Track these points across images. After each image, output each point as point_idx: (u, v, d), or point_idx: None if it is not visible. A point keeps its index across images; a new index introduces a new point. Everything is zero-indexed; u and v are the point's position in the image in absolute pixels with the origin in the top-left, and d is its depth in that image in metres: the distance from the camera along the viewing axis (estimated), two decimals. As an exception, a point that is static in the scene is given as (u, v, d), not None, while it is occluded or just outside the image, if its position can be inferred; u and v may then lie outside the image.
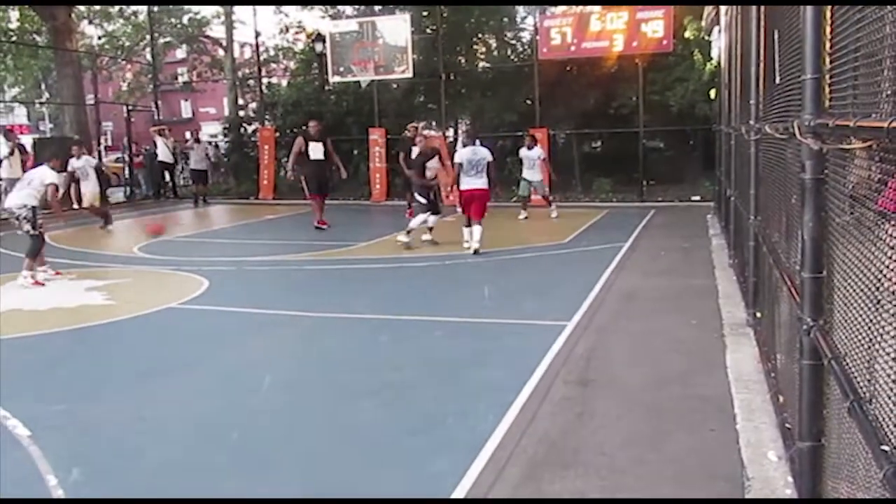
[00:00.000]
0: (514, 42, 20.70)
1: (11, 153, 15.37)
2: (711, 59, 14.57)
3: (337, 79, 17.69)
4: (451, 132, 19.67)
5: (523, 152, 13.20)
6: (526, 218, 12.91)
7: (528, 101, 16.97)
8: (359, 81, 17.77)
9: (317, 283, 8.38)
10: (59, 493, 3.36)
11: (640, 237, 10.74)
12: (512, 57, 19.80)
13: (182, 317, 6.75)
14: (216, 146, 21.39)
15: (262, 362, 5.40)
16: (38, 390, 4.88)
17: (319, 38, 18.63)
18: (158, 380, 5.08)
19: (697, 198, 14.97)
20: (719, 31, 11.56)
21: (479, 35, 20.31)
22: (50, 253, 10.19)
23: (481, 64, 20.62)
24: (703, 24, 14.91)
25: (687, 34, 16.13)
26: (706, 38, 15.15)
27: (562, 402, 4.39)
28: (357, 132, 18.04)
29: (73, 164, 13.19)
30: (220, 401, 4.63)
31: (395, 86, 18.92)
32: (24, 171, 14.04)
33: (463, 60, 20.24)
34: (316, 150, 12.09)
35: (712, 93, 13.99)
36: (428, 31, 18.86)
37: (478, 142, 9.64)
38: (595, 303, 6.71)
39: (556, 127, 17.00)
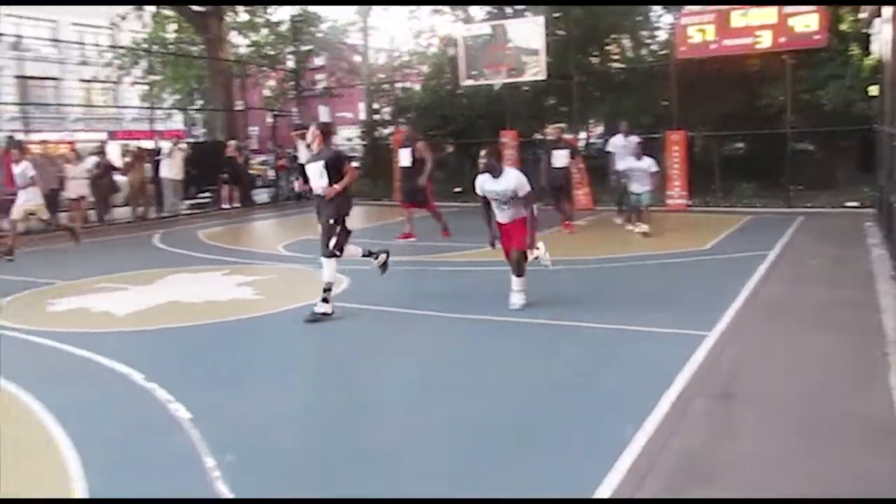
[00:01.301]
0: (649, 41, 20.13)
1: (170, 154, 16.63)
2: (871, 53, 13.54)
3: (469, 82, 17.87)
4: (583, 135, 19.41)
5: (632, 162, 11.41)
6: (645, 234, 11.19)
7: (665, 103, 16.46)
8: (490, 84, 17.88)
9: (449, 284, 8.49)
10: (215, 475, 3.59)
11: (788, 244, 10.13)
12: (647, 57, 19.27)
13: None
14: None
15: (398, 359, 5.55)
16: (197, 377, 5.24)
17: (451, 42, 18.90)
18: (303, 372, 5.33)
19: (854, 204, 13.92)
20: (881, 23, 10.72)
21: (613, 35, 19.91)
22: (203, 250, 10.97)
23: (615, 65, 20.20)
24: (863, 15, 13.89)
25: (843, 27, 15.08)
26: (865, 31, 14.09)
27: (704, 414, 4.23)
28: (488, 135, 18.15)
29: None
30: (357, 395, 4.80)
31: (525, 88, 18.88)
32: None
33: (595, 61, 19.91)
34: (404, 157, 11.74)
35: (873, 90, 12.99)
36: (559, 32, 18.69)
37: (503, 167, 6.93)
38: (739, 313, 6.40)
39: (695, 129, 16.37)
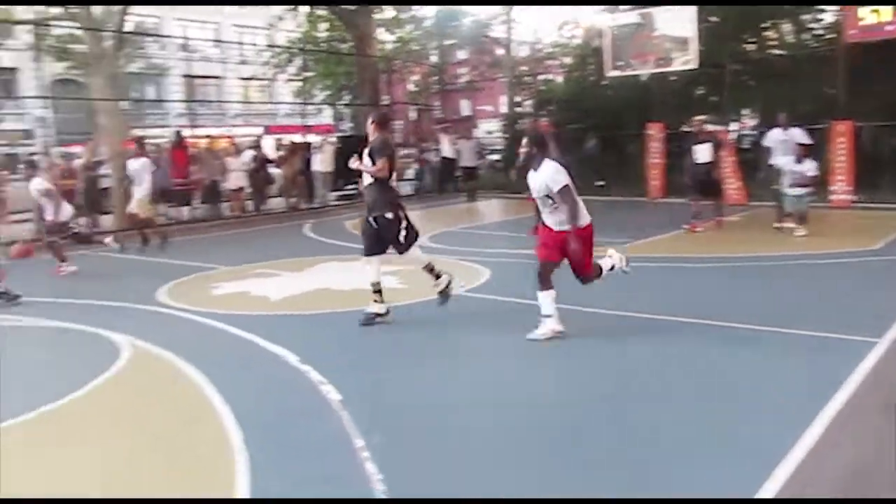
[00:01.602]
0: (812, 25, 18.78)
1: (321, 147, 17.42)
2: None
3: (614, 73, 17.44)
4: (734, 126, 18.44)
5: (791, 163, 10.37)
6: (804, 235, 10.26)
7: (830, 90, 15.31)
8: (636, 75, 17.37)
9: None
10: (364, 455, 3.72)
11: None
12: (810, 42, 17.99)
13: (465, 304, 7.12)
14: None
15: (540, 354, 5.51)
16: (346, 361, 5.45)
17: (596, 32, 18.52)
18: (446, 359, 5.41)
19: None
20: None
21: (772, 20, 18.73)
22: (351, 239, 11.38)
23: (773, 51, 19.01)
24: None
25: None
26: None
27: (871, 428, 3.91)
28: (633, 127, 17.63)
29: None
30: (496, 386, 4.81)
31: (673, 77, 18.18)
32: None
33: (751, 48, 18.82)
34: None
35: None
36: (711, 19, 17.82)
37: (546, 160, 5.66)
38: (915, 318, 5.86)
39: (864, 118, 15.11)
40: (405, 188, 21.28)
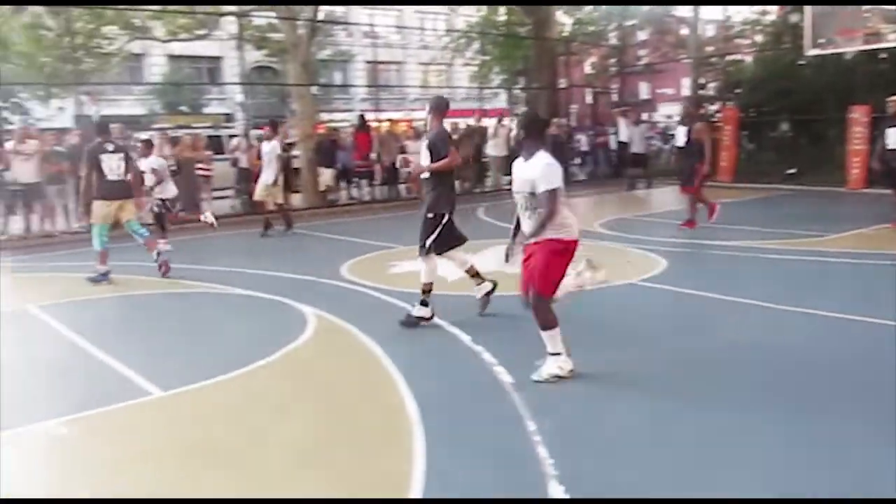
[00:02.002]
0: None
1: (495, 132, 17.55)
2: None
3: (815, 51, 16.08)
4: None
5: None
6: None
7: None
8: (840, 53, 15.92)
9: (776, 274, 7.81)
10: (536, 439, 3.74)
11: None
12: None
13: (643, 294, 6.93)
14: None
15: (719, 349, 5.25)
16: (518, 344, 5.47)
17: (795, 7, 17.15)
18: (621, 349, 5.30)
19: None
20: None
21: None
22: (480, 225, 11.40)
23: None
24: None
25: None
26: None
27: None
28: (834, 110, 16.20)
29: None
30: (677, 383, 4.63)
31: (883, 55, 16.46)
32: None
33: None
34: (679, 136, 10.95)
35: None
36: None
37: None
38: None
39: None
40: (578, 174, 21.01)
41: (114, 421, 4.26)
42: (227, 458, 3.72)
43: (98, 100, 24.06)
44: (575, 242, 4.62)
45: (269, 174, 11.31)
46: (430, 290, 5.96)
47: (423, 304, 5.95)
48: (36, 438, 4.07)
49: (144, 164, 9.65)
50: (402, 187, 16.53)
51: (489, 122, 18.88)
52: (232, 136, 17.17)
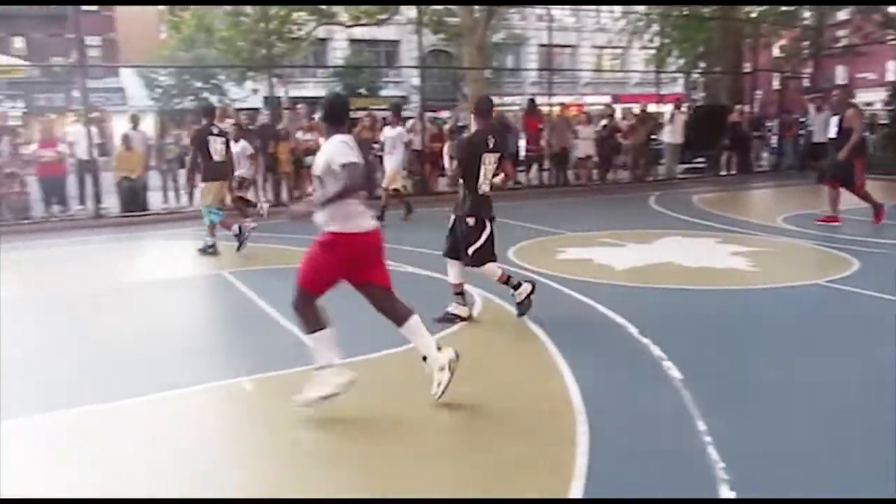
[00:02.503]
0: None
1: (672, 118, 16.84)
2: None
3: None
4: None
5: None
6: None
7: None
8: None
9: None
10: (706, 440, 3.58)
11: None
12: None
13: (828, 296, 6.41)
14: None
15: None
16: (688, 339, 5.27)
17: None
18: (800, 358, 4.94)
19: None
20: None
21: None
22: (697, 215, 10.93)
23: None
24: None
25: None
26: None
27: None
28: None
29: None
30: (863, 399, 4.25)
31: None
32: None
33: None
34: (830, 126, 9.94)
35: None
36: None
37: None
38: None
39: None
40: (762, 163, 19.73)
41: (295, 383, 4.55)
42: (394, 430, 3.87)
43: (287, 82, 25.72)
44: (355, 238, 4.00)
45: (394, 160, 11.09)
46: (506, 280, 5.73)
47: (459, 297, 5.74)
48: (228, 393, 4.45)
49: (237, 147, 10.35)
50: (570, 173, 16.33)
51: (666, 109, 18.17)
52: (406, 119, 17.71)
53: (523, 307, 5.75)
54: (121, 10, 34.46)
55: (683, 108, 17.61)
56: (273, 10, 18.43)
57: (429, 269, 7.51)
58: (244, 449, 3.77)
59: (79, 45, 14.04)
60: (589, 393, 4.19)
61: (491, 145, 5.53)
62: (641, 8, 22.67)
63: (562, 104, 23.78)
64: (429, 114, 15.75)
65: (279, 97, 19.53)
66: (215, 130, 8.89)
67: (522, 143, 16.27)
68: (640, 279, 7.09)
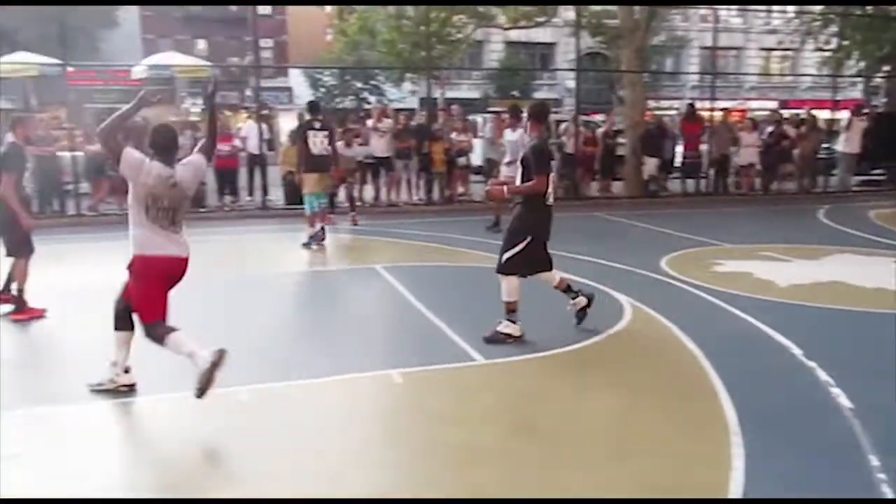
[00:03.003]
0: None
1: (848, 126, 15.63)
2: None
3: None
4: None
5: None
6: None
7: None
8: None
9: None
10: (879, 476, 3.30)
11: None
12: None
13: None
14: None
15: None
16: (860, 365, 4.87)
17: None
18: None
19: None
20: None
21: None
22: (874, 231, 10.09)
23: None
24: None
25: None
26: None
27: None
28: None
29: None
30: None
31: None
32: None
33: None
34: None
35: None
36: None
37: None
38: None
39: None
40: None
41: (440, 379, 4.65)
42: (540, 432, 3.85)
43: (443, 83, 26.24)
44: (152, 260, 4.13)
45: (514, 168, 10.41)
46: (514, 310, 5.35)
47: (510, 320, 5.36)
48: (378, 384, 4.60)
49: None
50: (731, 181, 15.54)
51: (842, 116, 16.86)
52: (559, 122, 17.56)
53: (578, 319, 5.66)
54: (292, 14, 36.55)
55: (862, 116, 16.26)
56: (434, 12, 18.86)
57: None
58: (386, 437, 3.88)
59: (254, 47, 15.00)
60: (744, 415, 3.97)
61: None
62: (818, 7, 21.19)
63: (724, 109, 22.73)
64: (582, 117, 15.50)
65: (435, 98, 19.93)
66: (316, 125, 9.37)
67: (679, 149, 15.68)
68: (806, 297, 6.63)
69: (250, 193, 13.43)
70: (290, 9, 36.13)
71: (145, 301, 4.11)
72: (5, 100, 26.46)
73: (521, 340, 5.27)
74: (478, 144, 14.42)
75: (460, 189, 13.89)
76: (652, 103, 24.96)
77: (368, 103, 29.48)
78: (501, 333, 5.28)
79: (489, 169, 12.70)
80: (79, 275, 7.75)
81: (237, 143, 13.21)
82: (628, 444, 3.72)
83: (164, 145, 4.19)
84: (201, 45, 35.33)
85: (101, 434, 3.92)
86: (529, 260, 5.34)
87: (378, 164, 13.13)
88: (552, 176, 5.36)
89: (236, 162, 13.18)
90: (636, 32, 15.05)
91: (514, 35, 28.30)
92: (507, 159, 9.84)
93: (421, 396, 4.42)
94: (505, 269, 5.32)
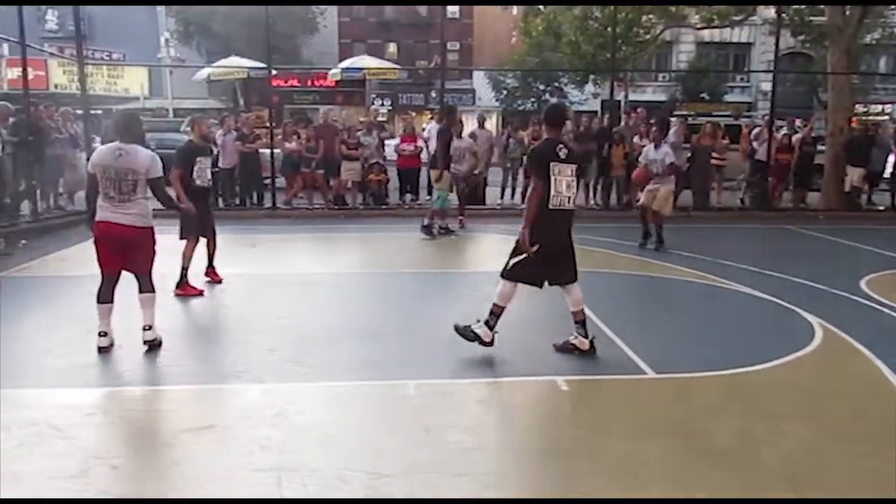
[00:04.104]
0: None
1: None
2: None
3: None
4: None
5: None
6: None
7: None
8: None
9: None
10: None
11: None
12: None
13: None
14: None
15: None
16: None
17: None
18: None
19: None
20: None
21: None
22: None
23: None
24: None
25: None
26: None
27: None
28: None
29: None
30: None
31: None
32: None
33: None
34: None
35: None
36: None
37: None
38: None
39: None
40: None
41: (608, 390, 4.53)
42: (715, 454, 3.64)
43: (627, 86, 25.58)
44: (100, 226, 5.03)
45: (668, 182, 9.35)
46: (497, 314, 5.05)
47: (487, 323, 5.06)
48: (542, 389, 4.57)
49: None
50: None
51: None
52: (752, 127, 16.50)
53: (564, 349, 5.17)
54: (478, 17, 37.22)
55: None
56: (622, 13, 18.43)
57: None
58: (548, 444, 3.83)
59: (441, 50, 15.43)
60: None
61: (563, 155, 4.94)
62: None
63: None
64: (779, 122, 14.44)
65: (618, 101, 19.46)
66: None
67: (892, 159, 14.21)
68: None
69: (429, 193, 13.81)
70: (477, 11, 36.82)
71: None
72: (217, 99, 29.30)
73: (489, 347, 5.04)
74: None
75: (638, 195, 13.44)
76: (860, 108, 22.82)
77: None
78: (472, 332, 5.08)
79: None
80: (266, 262, 8.40)
81: (420, 143, 13.60)
82: (809, 473, 3.42)
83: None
84: (391, 48, 36.91)
85: (283, 413, 4.20)
86: (537, 269, 5.01)
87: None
88: (560, 179, 4.92)
89: (418, 162, 13.59)
90: (846, 30, 13.80)
91: (707, 34, 26.97)
92: (657, 171, 9.15)
93: (586, 406, 4.33)
94: (506, 274, 5.07)
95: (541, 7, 23.98)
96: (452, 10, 35.14)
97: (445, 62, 18.73)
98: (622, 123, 14.19)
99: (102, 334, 5.02)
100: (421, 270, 8.33)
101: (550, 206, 4.91)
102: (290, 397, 4.30)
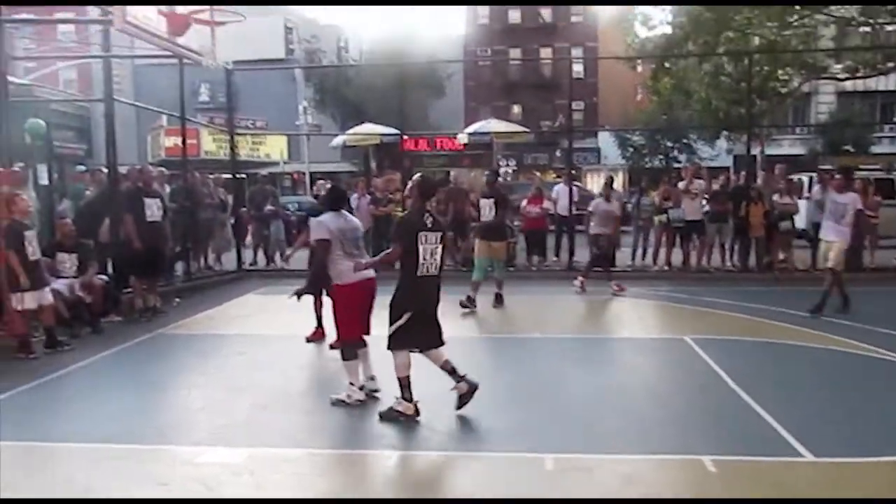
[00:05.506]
0: None
1: None
2: None
3: None
4: None
5: None
6: None
7: None
8: None
9: None
10: None
11: None
12: None
13: None
14: None
15: None
16: None
17: None
18: None
19: None
20: None
21: None
22: None
23: None
24: None
25: None
26: None
27: None
28: None
29: None
30: None
31: None
32: None
33: None
34: None
35: None
36: None
37: None
38: None
39: None
40: None
41: (761, 474, 4.22)
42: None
43: (763, 140, 24.53)
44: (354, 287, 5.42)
45: (842, 232, 8.63)
46: (405, 386, 5.10)
47: (405, 398, 5.10)
48: (689, 469, 4.31)
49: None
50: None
51: None
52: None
53: (461, 402, 5.19)
54: (603, 76, 37.18)
55: None
56: (757, 67, 17.85)
57: None
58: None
59: (568, 110, 15.45)
60: None
61: (429, 224, 5.14)
62: None
63: None
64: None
65: (754, 156, 18.63)
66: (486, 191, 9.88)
67: None
68: None
69: (556, 254, 13.67)
70: (602, 70, 36.81)
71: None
72: (349, 163, 30.59)
73: (414, 420, 5.03)
74: (803, 206, 13.17)
75: (781, 255, 12.73)
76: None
77: (678, 162, 28.61)
78: (395, 411, 5.10)
79: (815, 234, 11.51)
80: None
81: (547, 204, 13.50)
82: None
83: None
84: (516, 109, 37.44)
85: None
86: (419, 333, 5.15)
87: (688, 228, 12.60)
88: (426, 247, 5.10)
89: (544, 223, 13.52)
90: None
91: (850, 84, 25.59)
92: (829, 221, 8.78)
93: (738, 492, 4.02)
94: (391, 345, 5.13)
95: (667, 64, 23.58)
96: (577, 70, 35.30)
97: (571, 122, 18.75)
98: (758, 181, 13.59)
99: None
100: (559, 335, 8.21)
101: (419, 274, 5.10)
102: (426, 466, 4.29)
